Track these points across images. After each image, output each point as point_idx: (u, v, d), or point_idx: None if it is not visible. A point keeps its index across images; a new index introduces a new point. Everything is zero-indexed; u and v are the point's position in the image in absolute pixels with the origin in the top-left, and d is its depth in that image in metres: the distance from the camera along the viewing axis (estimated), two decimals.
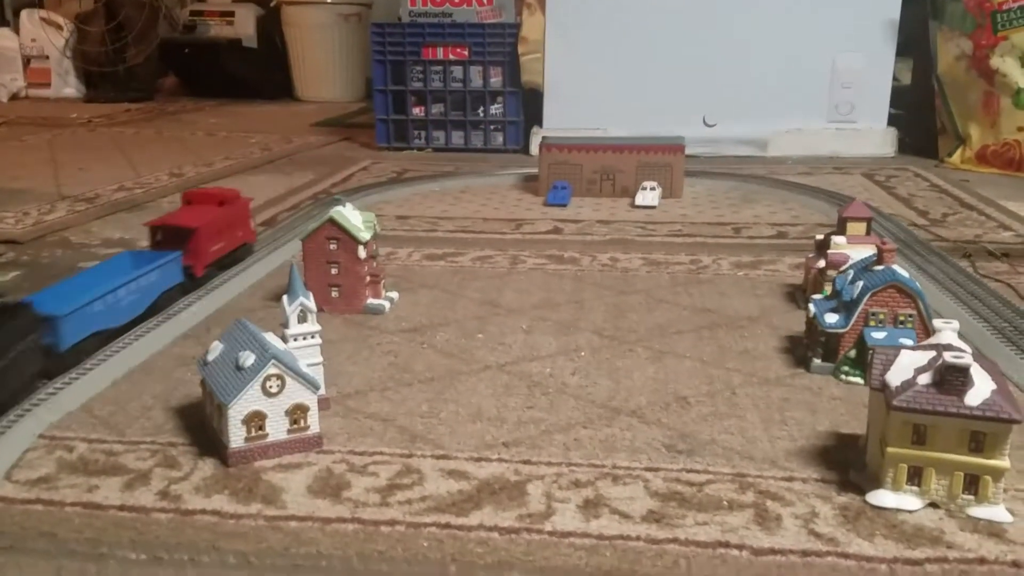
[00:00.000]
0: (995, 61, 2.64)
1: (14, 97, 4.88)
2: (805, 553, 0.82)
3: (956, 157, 2.80)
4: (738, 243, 1.94)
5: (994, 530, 0.86)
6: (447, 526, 0.86)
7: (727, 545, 0.83)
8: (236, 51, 4.95)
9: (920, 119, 3.00)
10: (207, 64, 4.95)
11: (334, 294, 1.49)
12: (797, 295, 1.55)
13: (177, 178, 2.68)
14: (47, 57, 4.91)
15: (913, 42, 3.01)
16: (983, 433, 0.86)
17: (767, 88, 2.95)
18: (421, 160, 3.02)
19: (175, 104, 4.76)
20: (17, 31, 4.95)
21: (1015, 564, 0.81)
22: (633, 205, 2.29)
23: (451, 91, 3.14)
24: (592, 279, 1.68)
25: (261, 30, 4.98)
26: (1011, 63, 2.62)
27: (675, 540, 0.84)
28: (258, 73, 4.97)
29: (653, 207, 2.27)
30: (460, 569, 0.80)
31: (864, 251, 1.34)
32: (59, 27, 4.87)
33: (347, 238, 1.47)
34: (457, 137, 3.18)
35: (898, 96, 3.04)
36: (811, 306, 1.27)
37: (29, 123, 3.90)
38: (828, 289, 1.34)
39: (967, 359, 0.87)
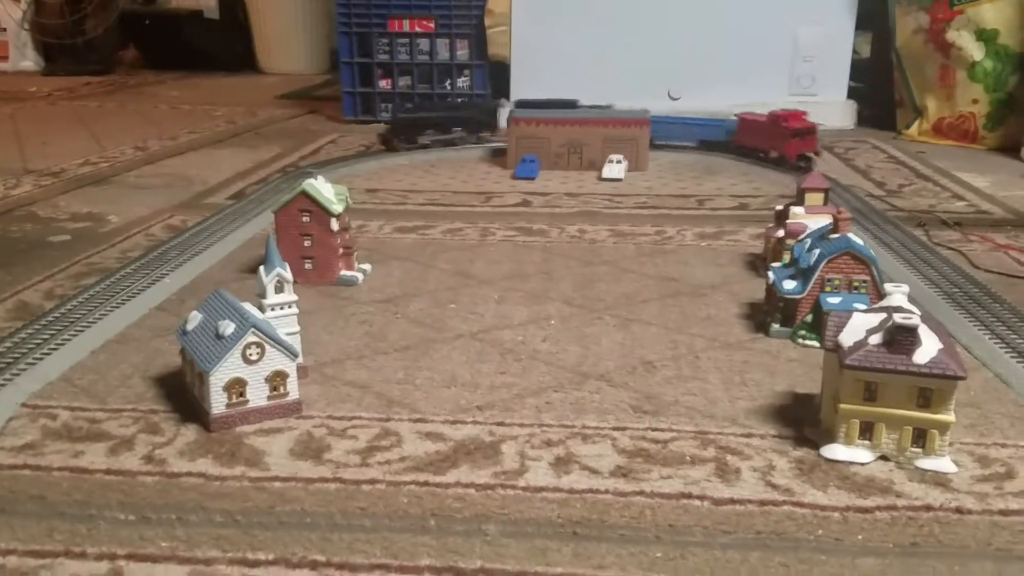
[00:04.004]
0: (951, 35, 2.70)
1: None
2: (763, 503, 0.87)
3: (913, 129, 2.87)
4: (701, 215, 1.99)
5: (940, 480, 0.92)
6: (426, 484, 0.90)
7: (689, 496, 0.88)
8: (197, 22, 4.88)
9: (879, 92, 3.07)
10: (168, 36, 4.88)
11: (307, 266, 1.51)
12: (757, 264, 1.61)
13: (142, 151, 2.66)
14: (4, 29, 4.79)
15: (872, 16, 3.07)
16: (930, 389, 0.92)
17: (730, 61, 2.98)
18: None
19: (136, 77, 4.68)
20: None
21: (958, 510, 0.87)
22: (600, 178, 2.33)
23: (418, 64, 3.14)
24: (560, 250, 1.71)
25: (223, 1, 4.91)
26: (967, 37, 2.68)
27: (641, 492, 0.89)
28: (220, 45, 4.90)
29: (619, 180, 2.31)
30: (439, 523, 0.84)
31: (822, 221, 1.39)
32: None
33: (319, 210, 1.49)
34: None
35: (858, 69, 3.10)
36: (770, 273, 1.32)
37: None
38: (787, 257, 1.39)
39: (915, 320, 0.92)
